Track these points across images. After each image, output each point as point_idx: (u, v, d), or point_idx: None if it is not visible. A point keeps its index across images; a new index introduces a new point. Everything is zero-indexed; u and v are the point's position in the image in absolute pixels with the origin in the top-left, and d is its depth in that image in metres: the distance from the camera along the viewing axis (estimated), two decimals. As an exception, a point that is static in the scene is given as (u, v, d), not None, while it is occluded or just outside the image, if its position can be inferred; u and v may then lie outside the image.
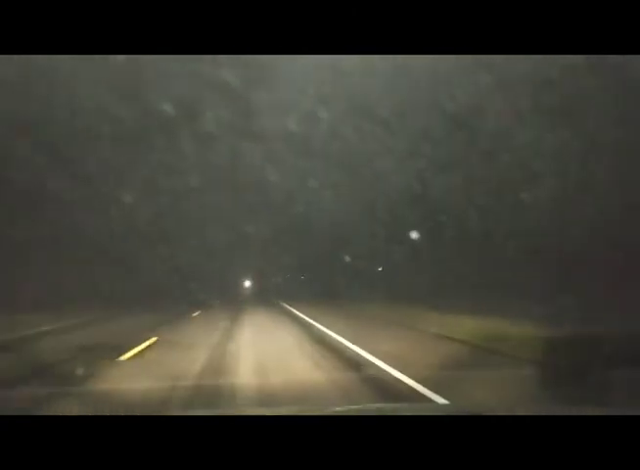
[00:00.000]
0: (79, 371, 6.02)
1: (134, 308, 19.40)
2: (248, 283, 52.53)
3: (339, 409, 2.54)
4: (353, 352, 7.40)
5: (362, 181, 18.78)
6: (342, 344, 8.39)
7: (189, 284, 31.50)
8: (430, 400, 4.19)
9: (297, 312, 18.03)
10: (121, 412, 3.81)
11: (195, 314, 17.63)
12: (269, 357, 7.04)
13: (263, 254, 40.16)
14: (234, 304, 26.39)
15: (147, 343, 8.63)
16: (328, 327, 11.22)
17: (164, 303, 23.65)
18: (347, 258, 24.13)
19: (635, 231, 11.06)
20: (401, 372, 5.44)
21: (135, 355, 7.33)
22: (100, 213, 21.26)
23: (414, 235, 18.47)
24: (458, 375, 5.51)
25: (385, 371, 5.69)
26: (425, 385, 4.72)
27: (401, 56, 12.41)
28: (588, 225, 12.84)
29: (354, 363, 6.40)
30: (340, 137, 15.96)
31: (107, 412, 3.83)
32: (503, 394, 4.47)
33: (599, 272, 12.06)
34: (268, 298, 28.16)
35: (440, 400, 4.17)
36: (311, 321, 13.71)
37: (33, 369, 6.42)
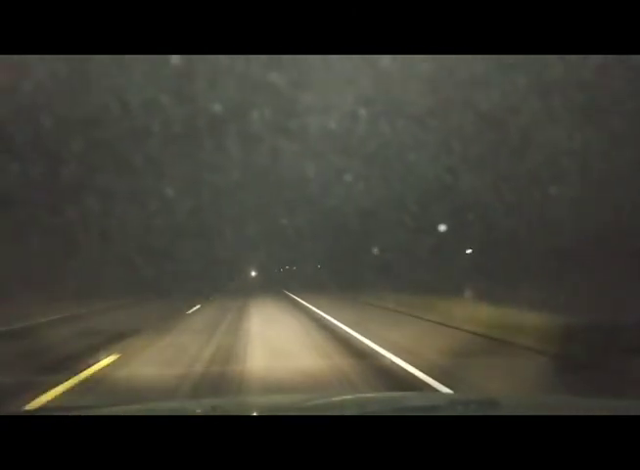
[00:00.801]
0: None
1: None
2: (257, 269, 57.42)
3: (343, 398, 2.58)
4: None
5: (394, 177, 19.67)
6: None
7: (220, 273, 33.07)
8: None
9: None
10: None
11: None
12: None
13: (295, 245, 41.46)
14: (258, 289, 29.38)
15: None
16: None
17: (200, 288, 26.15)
18: (376, 251, 24.75)
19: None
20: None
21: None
22: (143, 207, 22.45)
23: (442, 228, 18.82)
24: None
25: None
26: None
27: (438, 57, 13.25)
28: (609, 220, 13.46)
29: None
30: (376, 135, 16.86)
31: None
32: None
33: (621, 267, 12.48)
34: (299, 286, 29.48)
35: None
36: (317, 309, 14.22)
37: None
